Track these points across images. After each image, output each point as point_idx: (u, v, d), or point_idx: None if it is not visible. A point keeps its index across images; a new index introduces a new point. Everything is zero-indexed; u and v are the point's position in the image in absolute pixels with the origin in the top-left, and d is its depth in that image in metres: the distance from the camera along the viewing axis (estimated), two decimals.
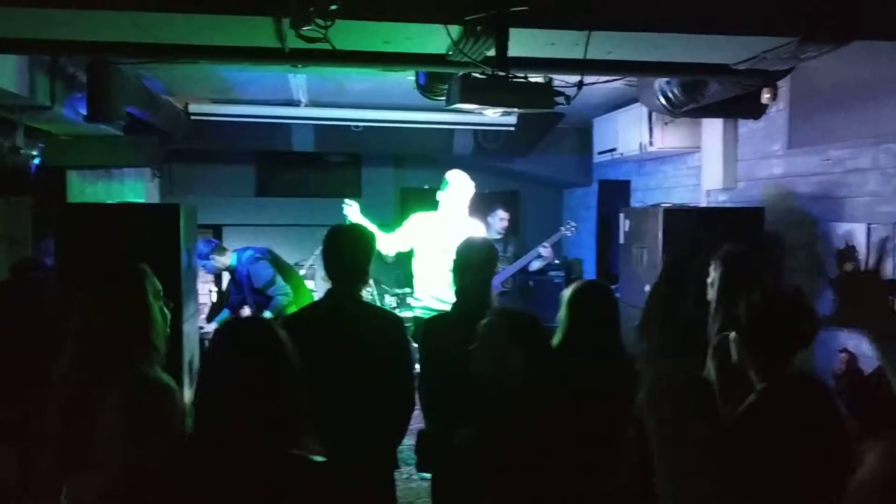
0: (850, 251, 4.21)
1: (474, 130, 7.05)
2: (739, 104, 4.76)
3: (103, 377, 2.19)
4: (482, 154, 7.31)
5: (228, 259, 5.81)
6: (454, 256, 3.18)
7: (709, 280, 3.36)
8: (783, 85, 4.76)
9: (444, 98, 3.64)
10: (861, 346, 3.90)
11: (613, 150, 6.49)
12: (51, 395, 2.28)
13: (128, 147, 6.28)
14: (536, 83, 2.84)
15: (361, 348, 2.79)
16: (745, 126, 5.24)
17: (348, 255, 2.91)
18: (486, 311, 2.90)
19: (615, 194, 7.38)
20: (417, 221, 4.93)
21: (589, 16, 2.70)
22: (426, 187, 8.59)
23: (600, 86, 4.96)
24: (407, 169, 8.62)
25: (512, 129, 6.88)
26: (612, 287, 5.10)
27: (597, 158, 7.06)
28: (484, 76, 2.74)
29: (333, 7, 2.52)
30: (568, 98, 2.89)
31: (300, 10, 2.52)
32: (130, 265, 2.44)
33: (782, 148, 4.83)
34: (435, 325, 3.20)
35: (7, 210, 6.86)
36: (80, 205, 5.79)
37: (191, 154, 7.55)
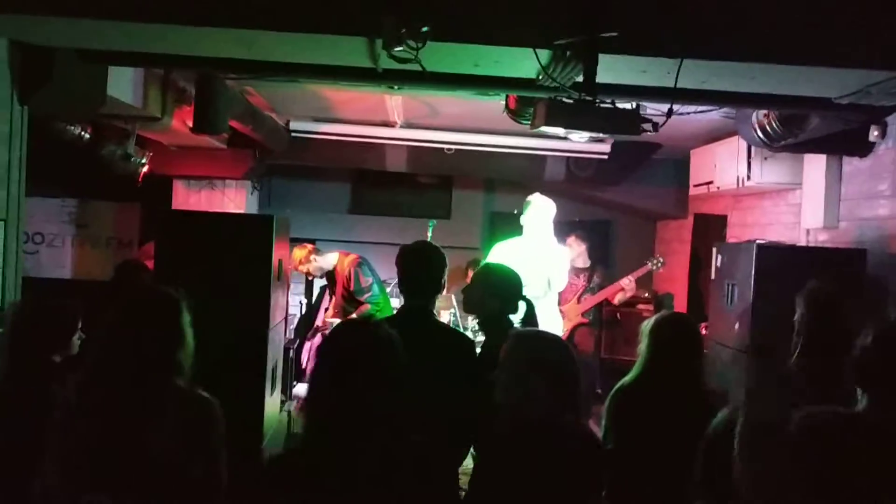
0: None
1: (567, 157, 7.01)
2: (844, 140, 4.57)
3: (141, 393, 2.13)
4: (574, 181, 7.26)
5: (331, 259, 5.99)
6: (470, 281, 3.20)
7: (796, 317, 3.24)
8: (892, 122, 4.53)
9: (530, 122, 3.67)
10: None
11: (710, 182, 6.32)
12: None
13: (229, 159, 6.59)
14: (622, 109, 2.82)
15: (430, 365, 2.80)
16: (850, 164, 5.01)
17: (422, 271, 2.95)
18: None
19: (710, 229, 7.17)
20: (500, 251, 4.92)
21: (680, 44, 2.67)
22: (515, 212, 8.58)
23: (698, 116, 4.88)
24: (497, 193, 8.64)
25: (605, 157, 6.81)
26: (702, 324, 4.98)
27: (693, 191, 6.88)
28: (570, 101, 2.73)
29: (425, 29, 2.58)
30: (656, 126, 2.85)
31: (393, 32, 2.59)
32: (166, 294, 2.30)
33: (890, 188, 4.58)
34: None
35: (117, 214, 7.30)
36: (181, 212, 6.10)
37: (289, 169, 7.82)
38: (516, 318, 3.34)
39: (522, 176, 7.39)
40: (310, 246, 6.04)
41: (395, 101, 5.63)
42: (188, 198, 7.02)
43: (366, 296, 5.81)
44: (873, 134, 4.62)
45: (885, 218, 4.64)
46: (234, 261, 4.04)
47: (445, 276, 3.12)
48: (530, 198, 4.87)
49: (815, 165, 5.26)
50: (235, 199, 7.04)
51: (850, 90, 3.06)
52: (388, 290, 6.55)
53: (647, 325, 3.06)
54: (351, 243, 8.21)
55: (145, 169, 5.57)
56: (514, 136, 6.44)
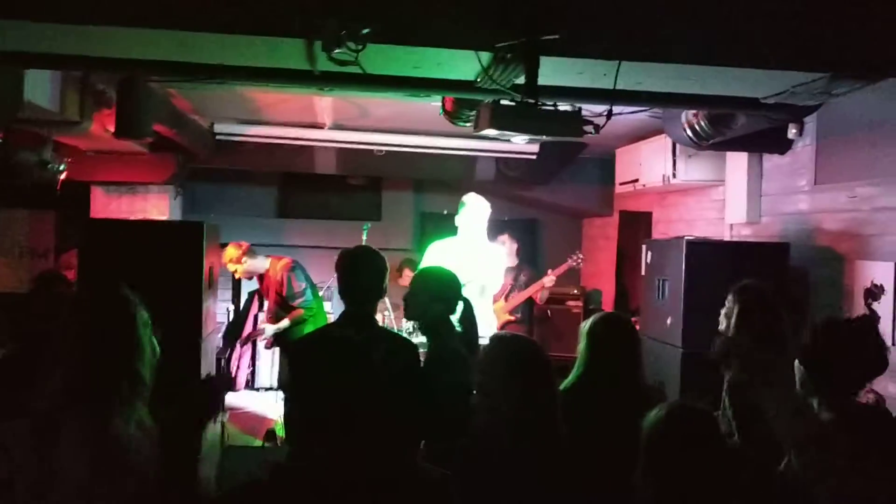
0: (876, 290, 4.15)
1: (496, 158, 7.06)
2: (765, 138, 4.75)
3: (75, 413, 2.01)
4: (503, 181, 7.31)
5: (262, 262, 5.84)
6: (410, 287, 3.20)
7: (724, 311, 3.35)
8: (810, 120, 4.74)
9: (468, 124, 3.66)
10: (888, 387, 3.83)
11: (636, 180, 6.47)
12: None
13: (151, 164, 6.36)
14: (566, 112, 2.85)
15: (374, 371, 2.76)
16: (770, 161, 5.21)
17: (362, 275, 2.91)
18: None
19: (636, 225, 7.34)
20: (436, 251, 4.89)
21: (619, 46, 2.71)
22: (445, 213, 8.59)
23: (624, 116, 4.96)
24: (427, 194, 8.63)
25: (534, 157, 6.88)
26: (633, 320, 5.08)
27: (619, 189, 7.03)
28: (514, 103, 2.74)
29: (366, 31, 2.54)
30: (597, 127, 2.88)
31: (333, 33, 2.54)
32: (118, 293, 2.18)
33: (808, 184, 4.78)
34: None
35: (31, 223, 6.95)
36: (104, 220, 5.85)
37: (214, 173, 7.60)
38: (454, 318, 3.34)
39: (453, 176, 7.41)
40: (245, 245, 5.87)
41: (325, 103, 5.55)
42: (107, 204, 6.75)
43: (299, 301, 5.70)
44: (792, 132, 4.82)
45: (804, 212, 4.84)
46: (162, 270, 3.89)
47: (387, 281, 3.09)
48: (465, 198, 4.86)
49: (738, 163, 5.44)
50: (158, 205, 6.81)
51: (776, 90, 3.17)
52: (322, 293, 6.45)
53: (584, 325, 3.10)
54: (280, 247, 8.05)
55: (63, 176, 5.32)
56: (445, 136, 6.44)
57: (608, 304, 7.82)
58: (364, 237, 5.99)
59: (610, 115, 2.86)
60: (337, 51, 2.60)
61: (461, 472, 2.48)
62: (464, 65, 2.92)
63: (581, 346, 3.04)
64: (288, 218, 8.44)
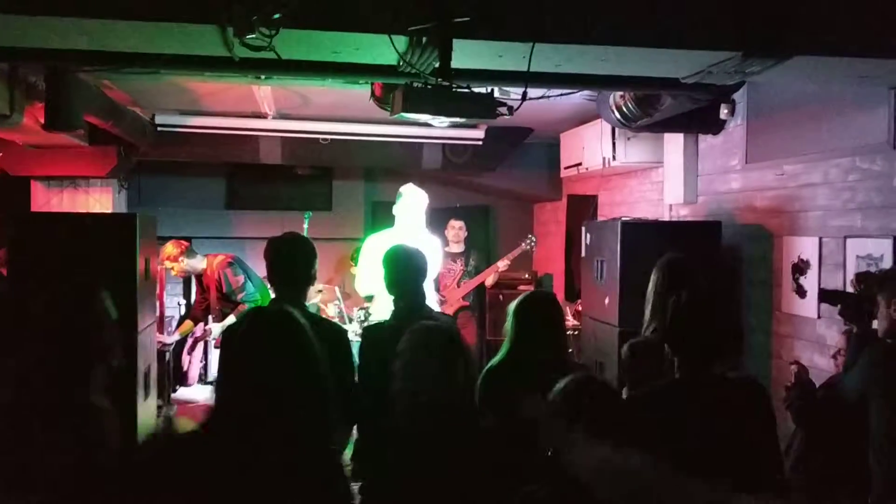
0: (803, 265, 4.26)
1: (442, 144, 7.07)
2: (699, 119, 4.84)
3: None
4: (451, 168, 7.33)
5: (200, 262, 5.81)
6: (382, 266, 3.22)
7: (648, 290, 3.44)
8: (740, 100, 4.83)
9: None
10: (813, 358, 3.95)
11: (579, 164, 6.54)
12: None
13: (92, 157, 6.27)
14: (477, 94, 2.87)
15: (300, 356, 2.78)
16: (705, 141, 5.31)
17: (289, 262, 2.93)
18: (421, 318, 2.94)
19: (583, 209, 7.42)
20: (372, 245, 4.89)
21: (532, 28, 2.74)
22: (396, 196, 8.60)
23: (564, 100, 5.02)
24: (378, 182, 8.62)
25: (480, 143, 6.91)
26: (578, 301, 5.13)
27: (564, 173, 7.11)
28: (427, 86, 2.76)
29: (276, 16, 2.53)
30: (511, 109, 2.92)
31: (243, 19, 2.53)
32: (84, 281, 2.44)
33: (740, 163, 4.89)
34: (371, 334, 3.23)
35: None
36: (33, 214, 5.77)
37: (159, 166, 7.51)
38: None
39: (400, 164, 7.41)
40: (184, 244, 5.84)
41: (264, 92, 5.51)
42: (49, 199, 6.63)
43: (240, 296, 5.69)
44: (723, 112, 4.91)
45: (737, 191, 4.95)
46: (95, 263, 3.86)
47: (316, 267, 3.10)
48: (402, 189, 4.88)
49: (674, 144, 5.54)
50: (101, 199, 6.71)
51: (693, 70, 3.23)
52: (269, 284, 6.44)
53: (511, 305, 3.15)
54: (229, 239, 8.02)
55: None
56: (390, 124, 6.43)
57: (559, 288, 7.91)
58: (305, 226, 5.98)
59: (525, 97, 2.89)
60: (249, 36, 2.59)
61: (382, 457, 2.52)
62: (384, 49, 2.92)
63: (507, 324, 3.09)
64: (236, 209, 8.38)
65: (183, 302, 7.78)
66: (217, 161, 7.57)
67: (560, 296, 7.58)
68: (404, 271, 3.16)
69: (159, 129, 6.42)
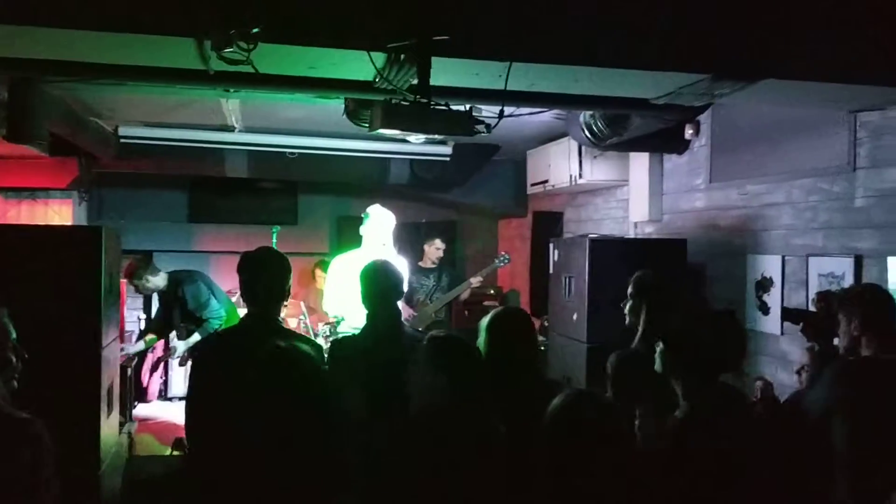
0: (767, 282, 4.36)
1: (410, 160, 7.08)
2: (664, 139, 4.93)
3: None
4: (418, 184, 7.34)
5: (161, 279, 5.70)
6: (359, 281, 3.21)
7: (627, 306, 3.48)
8: (705, 121, 4.95)
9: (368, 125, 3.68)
10: (777, 374, 4.03)
11: (545, 181, 6.61)
12: None
13: (52, 169, 6.15)
14: (456, 111, 2.89)
15: (272, 373, 2.77)
16: (670, 161, 5.41)
17: (264, 277, 2.90)
18: (393, 333, 2.95)
19: (549, 226, 7.49)
20: (339, 265, 4.86)
21: (509, 47, 2.77)
22: (362, 216, 8.57)
23: (532, 119, 5.08)
24: (344, 197, 8.58)
25: (447, 159, 6.94)
26: (544, 317, 5.16)
27: (530, 190, 7.17)
28: (406, 103, 2.77)
29: (255, 30, 2.53)
30: (488, 126, 2.95)
31: (222, 33, 2.52)
32: None
33: (704, 182, 4.99)
34: (342, 348, 3.21)
35: None
36: None
37: (121, 178, 7.39)
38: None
39: (367, 179, 7.39)
40: (146, 261, 5.74)
41: (233, 105, 5.47)
42: (6, 211, 6.50)
43: (205, 312, 5.61)
44: (688, 132, 5.03)
45: (701, 210, 5.04)
46: (58, 277, 3.78)
47: (290, 282, 3.08)
48: (369, 209, 4.88)
49: (640, 163, 5.63)
50: (60, 212, 6.59)
51: (664, 91, 3.30)
52: (235, 299, 6.36)
53: (484, 320, 3.15)
54: (191, 253, 7.91)
55: None
56: (358, 139, 6.42)
57: (524, 304, 7.95)
58: (274, 241, 5.93)
59: (502, 114, 2.92)
60: (227, 50, 2.58)
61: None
62: (361, 65, 2.93)
63: (480, 340, 3.10)
64: (199, 223, 8.27)
65: (143, 316, 7.65)
66: (181, 174, 7.48)
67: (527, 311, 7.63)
68: (381, 287, 3.16)
69: (123, 140, 6.31)
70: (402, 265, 4.94)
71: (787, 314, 3.54)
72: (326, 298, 4.89)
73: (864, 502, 2.89)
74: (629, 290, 3.51)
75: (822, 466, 3.05)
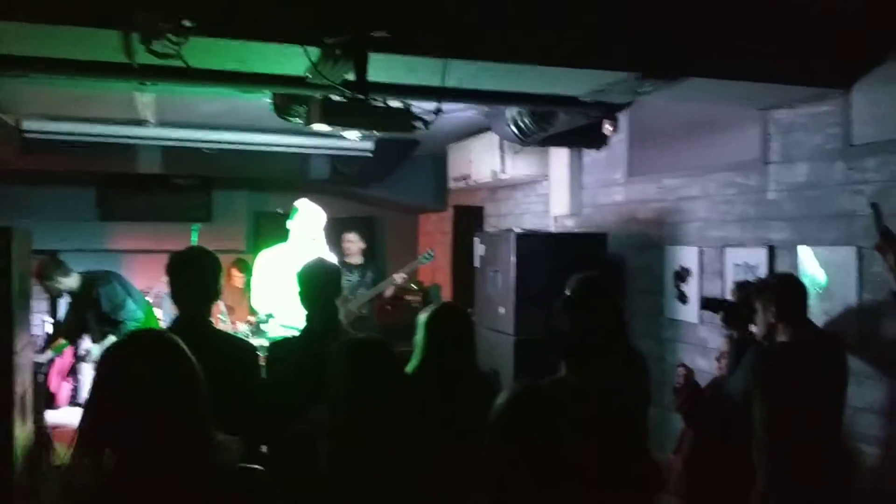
0: (684, 273, 4.53)
1: (331, 155, 7.01)
2: (584, 135, 5.05)
3: None
4: (339, 179, 7.28)
5: (73, 280, 5.45)
6: (297, 281, 3.17)
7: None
8: (623, 117, 5.09)
9: (299, 120, 3.63)
10: (696, 361, 4.20)
11: (467, 176, 6.67)
12: None
13: None
14: (396, 108, 2.89)
15: (211, 375, 2.70)
16: (589, 156, 5.55)
17: (194, 278, 2.82)
18: (333, 333, 2.93)
19: (470, 220, 7.56)
20: (267, 259, 4.76)
21: (446, 45, 2.78)
22: (280, 212, 8.41)
23: (454, 114, 5.11)
24: (261, 193, 8.42)
25: (369, 154, 6.90)
26: (469, 310, 5.21)
27: (451, 185, 7.22)
28: (344, 99, 2.75)
29: (186, 23, 2.45)
30: (427, 123, 2.96)
31: (150, 25, 2.43)
32: None
33: (623, 176, 5.15)
34: (280, 349, 3.17)
35: None
36: None
37: (24, 174, 7.01)
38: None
39: (287, 175, 7.27)
40: (58, 261, 5.46)
41: (147, 99, 5.26)
42: None
43: (120, 314, 5.39)
44: (607, 128, 5.15)
45: (620, 203, 5.20)
46: None
47: (221, 281, 3.01)
48: (299, 204, 4.79)
49: (559, 158, 5.75)
50: None
51: (591, 88, 3.39)
52: (150, 299, 6.15)
53: (422, 316, 3.17)
54: (102, 252, 7.59)
55: None
56: (277, 134, 6.30)
57: (447, 298, 8.00)
58: (194, 238, 5.75)
59: (439, 111, 2.94)
60: (156, 43, 2.49)
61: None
62: (292, 60, 2.89)
63: (418, 336, 3.11)
64: (110, 221, 7.94)
65: (50, 320, 7.29)
66: (91, 170, 7.16)
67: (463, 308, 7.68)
68: (319, 287, 3.12)
69: (26, 135, 5.98)
70: (332, 260, 4.89)
71: (707, 303, 3.70)
72: (255, 295, 4.77)
73: (777, 479, 3.06)
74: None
75: (743, 447, 3.22)
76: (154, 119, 5.98)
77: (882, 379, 3.26)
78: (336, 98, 2.77)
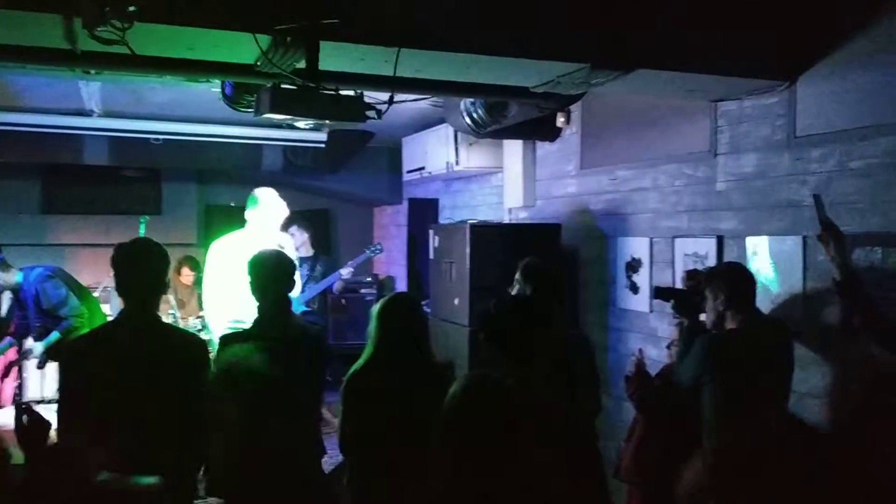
0: (636, 263, 4.59)
1: (283, 146, 6.92)
2: (537, 127, 5.08)
3: None
4: (292, 171, 7.19)
5: (14, 277, 5.29)
6: (248, 271, 3.12)
7: (513, 291, 3.57)
8: (575, 110, 5.14)
9: (250, 110, 3.56)
10: (647, 349, 4.26)
11: (422, 168, 6.65)
12: None
13: None
14: (348, 96, 2.86)
15: (156, 367, 2.65)
16: (543, 148, 5.58)
17: (141, 271, 2.76)
18: (283, 325, 2.91)
19: (424, 212, 7.55)
20: (220, 248, 4.59)
21: (398, 33, 2.77)
22: (232, 204, 8.28)
23: (408, 106, 5.09)
24: (212, 185, 8.28)
25: (322, 146, 6.84)
26: (424, 302, 5.22)
27: (406, 177, 7.20)
28: (294, 87, 2.71)
29: (132, 8, 2.39)
30: (379, 113, 2.93)
31: (94, 10, 2.36)
32: None
33: (575, 168, 5.19)
34: (232, 344, 3.12)
35: None
36: None
37: None
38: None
39: (239, 166, 7.17)
40: None
41: (92, 88, 5.15)
42: None
43: (63, 310, 5.25)
44: (560, 120, 5.21)
45: (573, 195, 5.24)
46: None
47: (169, 275, 2.95)
48: (259, 193, 4.62)
49: (513, 150, 5.78)
50: None
51: (543, 80, 3.40)
52: (97, 293, 6.01)
53: (375, 307, 3.17)
54: (46, 246, 7.40)
55: None
56: (230, 125, 6.22)
57: (402, 290, 7.98)
58: (142, 231, 5.63)
59: (391, 101, 2.92)
60: (100, 29, 2.42)
61: None
62: (243, 48, 2.84)
63: (371, 327, 3.10)
64: (54, 214, 7.73)
65: None
66: (34, 162, 6.97)
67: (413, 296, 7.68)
68: (270, 278, 3.07)
69: None
70: (290, 250, 4.78)
71: (659, 293, 3.75)
72: (207, 285, 4.64)
73: (724, 464, 3.13)
74: (516, 275, 3.61)
75: (693, 431, 3.28)
76: (100, 109, 5.85)
77: (825, 364, 3.35)
78: (286, 86, 2.72)
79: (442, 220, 7.13)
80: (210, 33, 2.69)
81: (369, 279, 8.06)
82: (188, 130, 6.25)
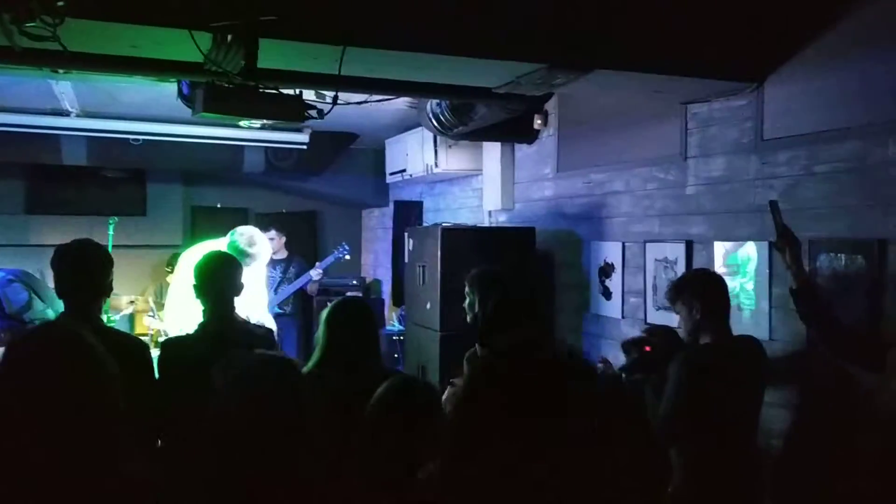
0: (609, 268, 4.51)
1: (265, 148, 6.86)
2: (514, 129, 5.01)
3: None
4: (274, 172, 7.13)
5: None
6: (192, 273, 3.06)
7: (466, 303, 3.52)
8: (553, 112, 5.06)
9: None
10: (619, 355, 4.17)
11: (403, 171, 6.59)
12: None
13: None
14: (285, 95, 2.79)
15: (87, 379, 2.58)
16: (521, 150, 5.51)
17: (79, 272, 2.70)
18: (228, 328, 2.84)
19: (409, 215, 7.47)
20: (191, 259, 4.55)
21: (342, 31, 2.70)
22: (218, 206, 8.25)
23: (388, 107, 5.03)
24: (197, 186, 8.23)
25: (304, 147, 6.77)
26: (402, 306, 5.13)
27: (389, 179, 7.14)
28: (231, 86, 2.65)
29: (60, 3, 2.33)
30: (321, 112, 2.86)
31: (20, 5, 2.30)
32: None
33: (552, 171, 5.11)
34: (173, 349, 3.05)
35: None
36: None
37: None
38: None
39: (221, 167, 7.11)
40: None
41: (64, 88, 5.10)
42: None
43: (27, 314, 5.20)
44: (537, 122, 5.13)
45: (549, 198, 5.17)
46: None
47: (110, 276, 2.88)
48: (250, 247, 4.22)
49: (492, 153, 5.70)
50: None
51: (503, 81, 3.33)
52: None
53: (323, 312, 3.11)
54: (28, 247, 7.35)
55: None
56: (208, 125, 6.15)
57: (386, 294, 7.92)
58: (110, 233, 5.59)
59: (335, 100, 2.85)
60: (30, 25, 2.36)
61: None
62: (189, 45, 2.77)
63: (319, 332, 3.04)
64: (38, 214, 7.69)
65: None
66: (13, 162, 6.93)
67: (389, 301, 7.61)
68: (213, 278, 3.01)
69: None
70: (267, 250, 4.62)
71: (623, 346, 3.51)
72: (171, 293, 4.59)
73: (695, 478, 3.04)
74: (465, 287, 3.56)
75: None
76: (76, 109, 5.81)
77: (789, 373, 3.26)
78: (222, 84, 2.66)
79: (426, 223, 7.06)
80: (151, 30, 2.63)
81: (355, 282, 7.99)
82: (167, 131, 6.19)
